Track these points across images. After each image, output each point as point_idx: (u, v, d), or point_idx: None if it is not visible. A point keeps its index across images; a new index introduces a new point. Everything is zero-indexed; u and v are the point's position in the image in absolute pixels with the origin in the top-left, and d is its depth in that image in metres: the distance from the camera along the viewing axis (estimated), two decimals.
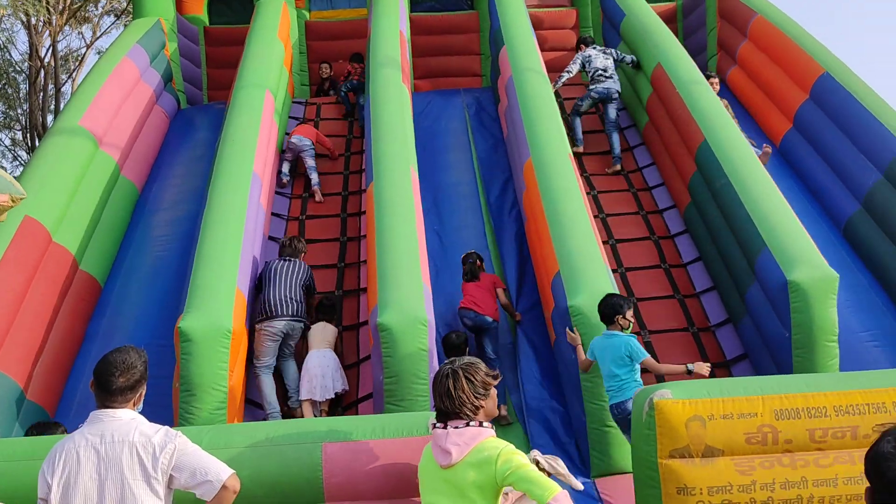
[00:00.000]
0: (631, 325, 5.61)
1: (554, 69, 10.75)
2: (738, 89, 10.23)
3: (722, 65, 10.82)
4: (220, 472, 3.15)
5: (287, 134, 9.61)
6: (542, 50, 10.51)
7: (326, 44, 12.03)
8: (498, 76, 9.78)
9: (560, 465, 4.35)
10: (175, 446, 3.16)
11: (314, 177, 9.13)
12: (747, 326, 6.91)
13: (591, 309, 5.85)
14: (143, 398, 3.32)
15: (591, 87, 9.53)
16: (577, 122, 9.56)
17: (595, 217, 8.55)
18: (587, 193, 8.86)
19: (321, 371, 6.65)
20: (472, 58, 12.00)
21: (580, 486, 4.65)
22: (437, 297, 7.33)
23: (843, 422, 3.89)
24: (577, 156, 9.18)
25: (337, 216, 8.82)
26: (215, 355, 5.62)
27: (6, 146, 19.50)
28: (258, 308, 6.76)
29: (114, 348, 3.33)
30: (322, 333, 6.90)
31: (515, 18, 10.02)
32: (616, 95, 9.46)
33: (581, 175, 9.18)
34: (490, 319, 6.93)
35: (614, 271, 7.89)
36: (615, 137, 9.28)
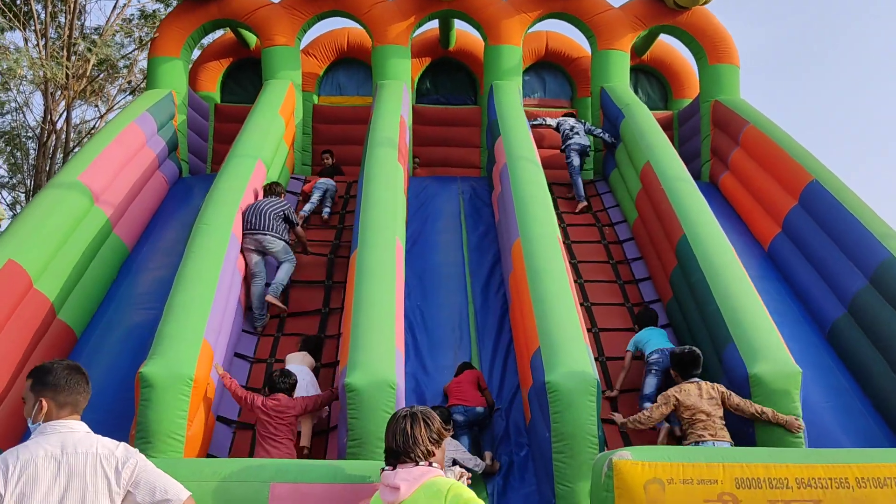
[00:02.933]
0: None
1: (550, 166, 10.99)
2: (730, 194, 10.39)
3: (715, 170, 11.04)
4: (180, 492, 3.10)
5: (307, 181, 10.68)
6: (541, 147, 10.81)
7: (332, 127, 12.37)
8: (493, 165, 9.98)
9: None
10: (136, 462, 3.10)
11: (327, 210, 10.03)
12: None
13: (567, 385, 5.72)
14: None
15: (569, 142, 10.70)
16: (579, 179, 10.60)
17: (581, 305, 8.52)
18: (574, 281, 8.89)
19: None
20: (472, 150, 12.29)
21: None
22: (411, 367, 7.24)
23: (805, 495, 3.74)
24: (581, 212, 10.36)
25: (321, 283, 8.76)
26: (175, 403, 5.48)
27: (7, 205, 19.82)
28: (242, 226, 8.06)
29: (56, 361, 3.30)
30: (302, 358, 6.90)
31: (512, 111, 10.32)
32: (587, 151, 10.87)
33: (570, 261, 9.23)
34: (481, 409, 6.89)
35: (595, 359, 7.80)
36: (580, 182, 10.57)
